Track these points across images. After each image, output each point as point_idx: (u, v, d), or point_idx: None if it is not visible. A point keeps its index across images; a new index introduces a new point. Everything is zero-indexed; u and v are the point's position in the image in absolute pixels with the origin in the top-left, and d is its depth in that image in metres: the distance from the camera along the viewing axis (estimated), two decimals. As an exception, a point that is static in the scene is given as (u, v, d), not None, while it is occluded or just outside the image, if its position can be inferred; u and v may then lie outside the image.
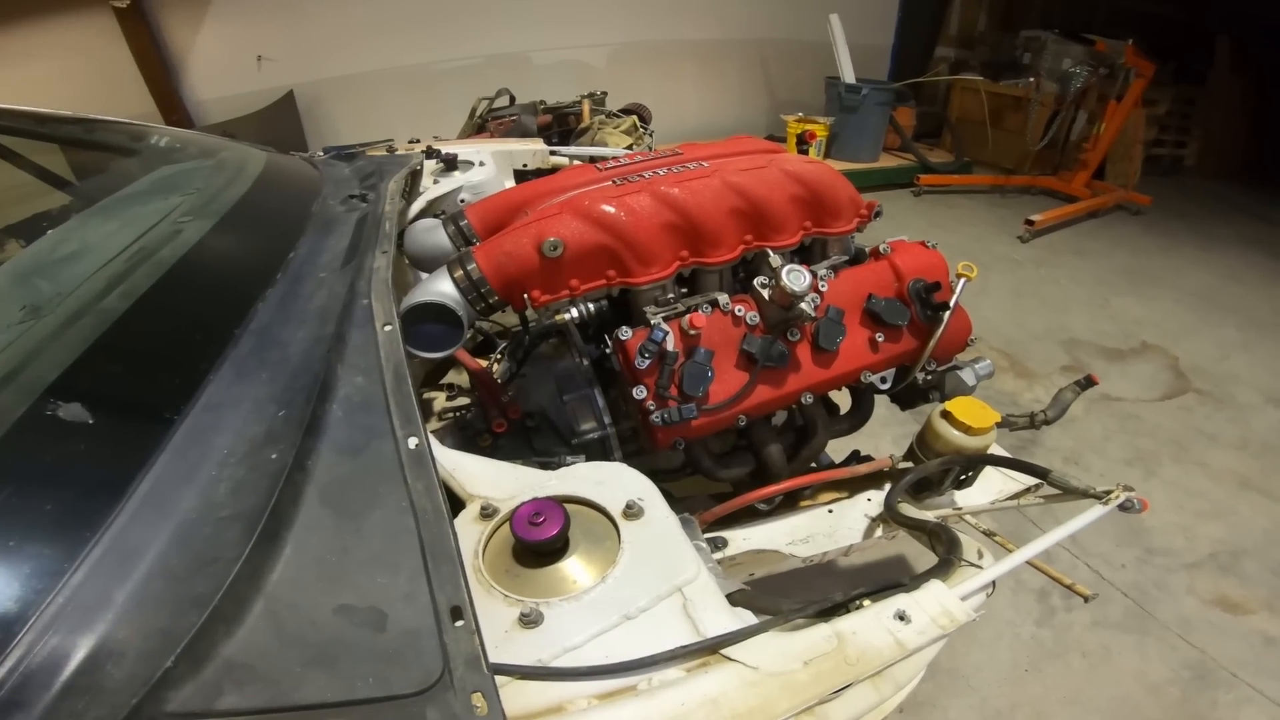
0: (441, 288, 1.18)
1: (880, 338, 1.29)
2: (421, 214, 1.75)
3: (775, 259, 1.20)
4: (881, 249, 1.38)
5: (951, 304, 1.29)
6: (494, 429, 1.38)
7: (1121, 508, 0.89)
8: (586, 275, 1.24)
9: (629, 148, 2.79)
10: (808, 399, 1.25)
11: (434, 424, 1.50)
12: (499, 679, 0.56)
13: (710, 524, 1.24)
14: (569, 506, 0.72)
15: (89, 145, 1.92)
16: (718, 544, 1.21)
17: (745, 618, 0.67)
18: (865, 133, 5.40)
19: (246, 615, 0.57)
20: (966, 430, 1.17)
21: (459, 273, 1.19)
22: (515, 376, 1.45)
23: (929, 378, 1.41)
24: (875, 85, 5.27)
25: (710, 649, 0.62)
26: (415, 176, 1.92)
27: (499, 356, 1.61)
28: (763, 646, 0.62)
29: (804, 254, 1.41)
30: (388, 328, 0.94)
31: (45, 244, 1.29)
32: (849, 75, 5.15)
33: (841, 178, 1.37)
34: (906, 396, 1.47)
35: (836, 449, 1.65)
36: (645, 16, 5.15)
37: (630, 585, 0.67)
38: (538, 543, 0.68)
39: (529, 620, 0.64)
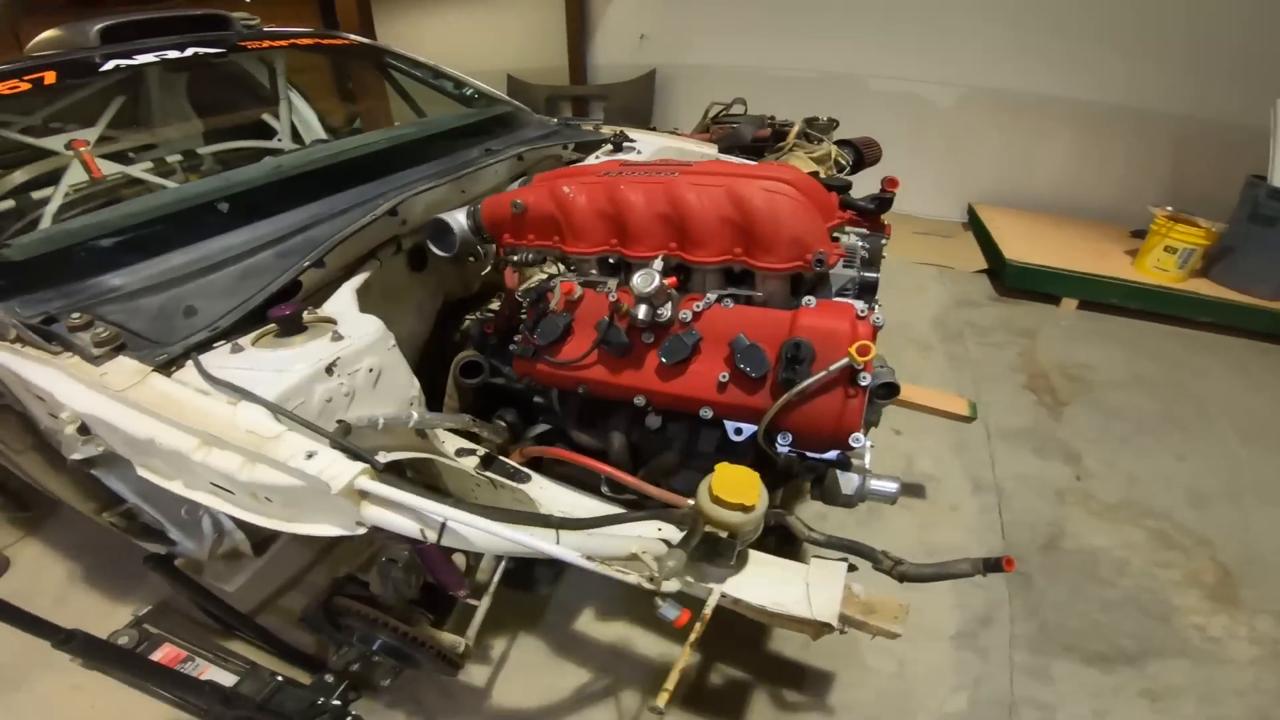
0: (457, 215, 1.65)
1: (725, 378, 1.29)
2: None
3: (657, 263, 1.34)
4: (804, 301, 1.33)
5: (811, 378, 1.21)
6: (485, 330, 1.84)
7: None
8: (540, 234, 1.56)
9: (810, 174, 2.78)
10: (639, 401, 1.37)
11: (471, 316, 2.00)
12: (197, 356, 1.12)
13: (533, 458, 1.49)
14: (316, 321, 1.20)
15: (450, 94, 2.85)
16: (520, 476, 1.42)
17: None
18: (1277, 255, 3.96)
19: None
20: (717, 501, 1.09)
21: (470, 208, 1.64)
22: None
23: (794, 455, 1.35)
24: (1329, 202, 3.77)
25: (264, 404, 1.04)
26: (589, 147, 2.40)
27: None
28: (272, 423, 1.00)
29: (734, 280, 1.44)
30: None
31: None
32: (1281, 179, 3.80)
33: (795, 216, 1.33)
34: (768, 470, 1.39)
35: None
36: (1020, 63, 4.57)
37: (282, 361, 1.12)
38: (274, 319, 1.19)
39: (235, 349, 1.15)
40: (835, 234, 1.53)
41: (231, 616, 1.66)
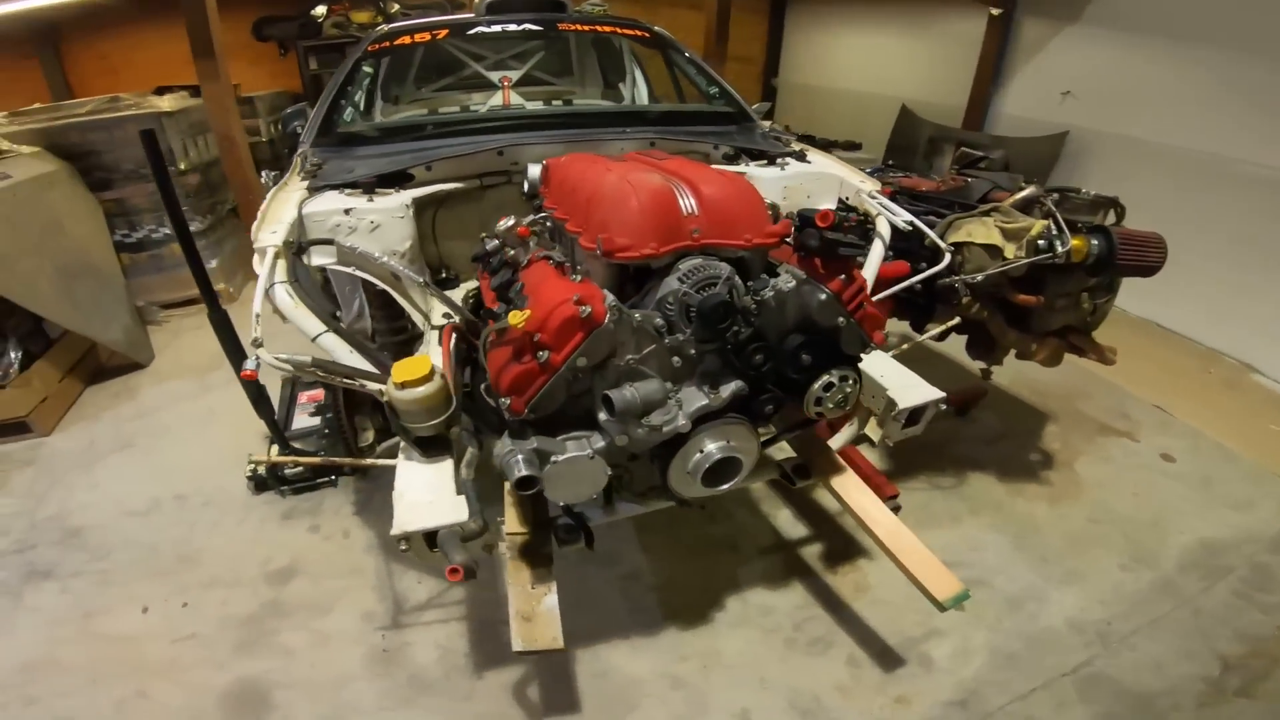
0: (535, 167, 2.15)
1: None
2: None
3: (528, 218, 1.66)
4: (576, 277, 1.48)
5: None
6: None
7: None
8: (547, 192, 1.96)
9: (986, 245, 2.17)
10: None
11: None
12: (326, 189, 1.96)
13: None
14: (380, 193, 1.93)
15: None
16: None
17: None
18: None
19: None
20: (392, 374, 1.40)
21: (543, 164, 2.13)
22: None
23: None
24: None
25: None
26: (754, 155, 2.50)
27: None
28: (290, 218, 1.75)
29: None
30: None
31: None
32: None
33: (619, 208, 1.43)
34: None
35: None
36: None
37: (336, 200, 1.89)
38: (359, 183, 1.94)
39: (339, 191, 1.94)
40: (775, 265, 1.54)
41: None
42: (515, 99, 3.48)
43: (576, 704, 1.84)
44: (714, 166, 1.78)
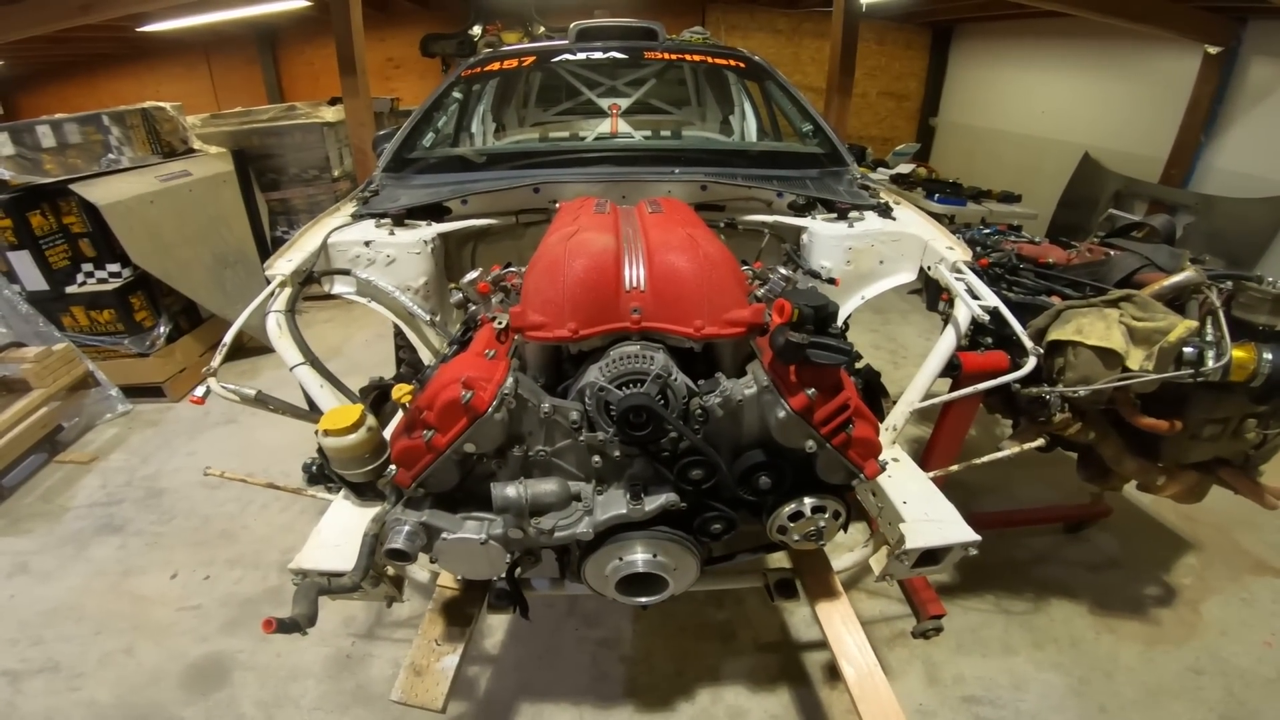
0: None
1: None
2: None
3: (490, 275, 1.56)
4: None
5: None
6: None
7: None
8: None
9: (1101, 349, 1.66)
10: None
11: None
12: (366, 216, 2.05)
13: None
14: (408, 226, 1.97)
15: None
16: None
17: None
18: None
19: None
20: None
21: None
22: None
23: None
24: None
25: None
26: (832, 207, 2.18)
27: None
28: (317, 241, 1.82)
29: None
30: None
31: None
32: None
33: (538, 286, 1.26)
34: None
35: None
36: None
37: (363, 231, 1.95)
38: (389, 215, 1.98)
39: (375, 222, 1.99)
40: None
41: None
42: (624, 127, 3.44)
43: (499, 755, 1.74)
44: (699, 227, 1.50)
